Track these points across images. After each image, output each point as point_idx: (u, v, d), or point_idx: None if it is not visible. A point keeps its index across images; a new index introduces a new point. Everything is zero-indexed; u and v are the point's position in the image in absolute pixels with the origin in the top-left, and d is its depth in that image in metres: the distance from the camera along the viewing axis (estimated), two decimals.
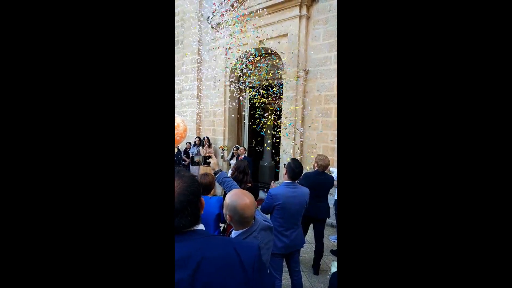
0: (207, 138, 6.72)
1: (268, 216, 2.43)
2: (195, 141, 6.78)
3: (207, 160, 2.05)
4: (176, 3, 7.81)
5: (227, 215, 1.20)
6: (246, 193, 1.23)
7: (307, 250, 3.68)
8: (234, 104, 6.67)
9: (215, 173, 1.86)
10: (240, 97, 6.81)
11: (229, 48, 6.45)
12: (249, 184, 2.45)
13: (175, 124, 4.86)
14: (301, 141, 5.38)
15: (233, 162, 6.08)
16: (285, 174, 2.39)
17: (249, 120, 6.77)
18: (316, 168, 3.25)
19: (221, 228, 2.41)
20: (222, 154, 6.75)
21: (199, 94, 7.30)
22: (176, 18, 7.91)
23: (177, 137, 4.81)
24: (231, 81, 6.53)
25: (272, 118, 5.69)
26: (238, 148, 5.85)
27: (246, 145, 6.86)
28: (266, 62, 5.90)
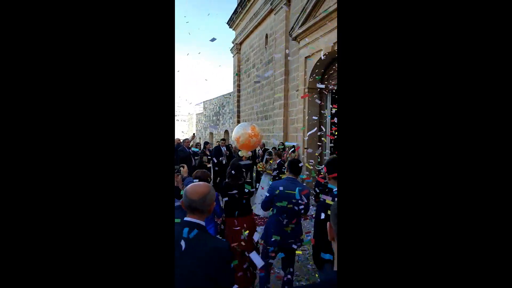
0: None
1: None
2: (278, 147, 7.32)
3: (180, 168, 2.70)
4: (269, 26, 8.82)
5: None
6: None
7: None
8: (314, 110, 6.78)
9: (183, 179, 2.43)
10: (321, 103, 6.84)
11: (308, 56, 6.73)
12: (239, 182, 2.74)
13: (254, 133, 5.64)
14: None
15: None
16: (287, 171, 2.65)
17: (331, 126, 6.64)
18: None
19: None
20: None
21: (286, 103, 7.84)
22: (269, 39, 8.90)
23: (256, 143, 5.75)
24: (310, 88, 6.72)
25: None
26: (271, 153, 5.97)
27: (327, 151, 6.75)
28: None
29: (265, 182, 5.89)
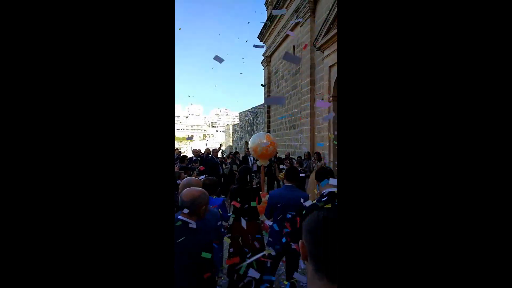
0: (317, 153, 7.12)
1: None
2: (304, 156, 7.35)
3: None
4: (296, 37, 9.00)
5: None
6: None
7: None
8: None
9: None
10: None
11: (332, 65, 6.76)
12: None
13: (270, 142, 5.91)
14: None
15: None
16: (285, 179, 2.79)
17: None
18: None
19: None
20: None
21: (312, 112, 7.88)
22: (297, 50, 9.08)
23: (273, 152, 5.96)
24: (334, 96, 6.70)
25: None
26: (292, 162, 6.02)
27: None
28: None
29: None
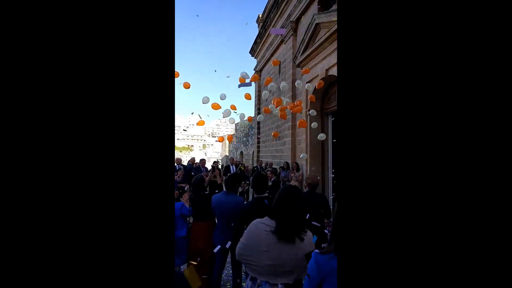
0: (296, 163, 7.46)
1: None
2: (283, 166, 7.70)
3: None
4: (281, 54, 9.50)
5: None
6: None
7: None
8: (315, 131, 7.10)
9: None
10: (324, 123, 7.15)
11: (309, 81, 7.19)
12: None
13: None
14: None
15: None
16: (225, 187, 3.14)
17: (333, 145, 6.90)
18: (307, 189, 3.34)
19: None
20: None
21: (294, 124, 8.27)
22: (281, 66, 9.57)
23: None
24: (309, 110, 7.10)
25: None
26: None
27: (330, 170, 6.94)
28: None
29: None
